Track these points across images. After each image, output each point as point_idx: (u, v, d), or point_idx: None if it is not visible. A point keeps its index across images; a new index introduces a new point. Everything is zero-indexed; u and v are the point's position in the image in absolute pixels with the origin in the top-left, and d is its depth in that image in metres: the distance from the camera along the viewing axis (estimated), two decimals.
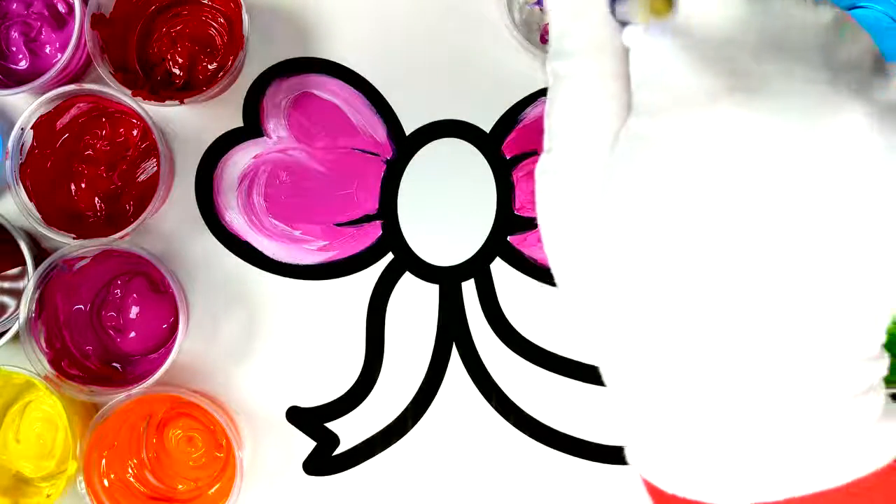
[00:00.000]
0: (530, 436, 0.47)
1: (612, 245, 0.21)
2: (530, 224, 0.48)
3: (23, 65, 0.48)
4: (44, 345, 0.44)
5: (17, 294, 0.47)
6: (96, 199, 0.47)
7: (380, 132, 0.48)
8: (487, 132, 0.48)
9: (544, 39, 0.47)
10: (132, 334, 0.47)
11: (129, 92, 0.44)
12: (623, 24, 0.22)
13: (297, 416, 0.47)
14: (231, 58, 0.46)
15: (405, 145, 0.48)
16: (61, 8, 0.48)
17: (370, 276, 0.48)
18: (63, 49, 0.46)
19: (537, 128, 0.48)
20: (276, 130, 0.48)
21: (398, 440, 0.47)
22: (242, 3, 0.45)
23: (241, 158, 0.48)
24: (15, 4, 0.47)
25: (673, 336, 0.21)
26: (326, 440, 0.47)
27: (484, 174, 0.48)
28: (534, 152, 0.48)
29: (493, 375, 0.47)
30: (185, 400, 0.45)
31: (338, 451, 0.47)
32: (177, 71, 0.48)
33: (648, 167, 0.21)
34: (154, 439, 0.46)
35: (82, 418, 0.45)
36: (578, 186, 0.22)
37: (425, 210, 0.48)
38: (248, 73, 0.48)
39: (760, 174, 0.20)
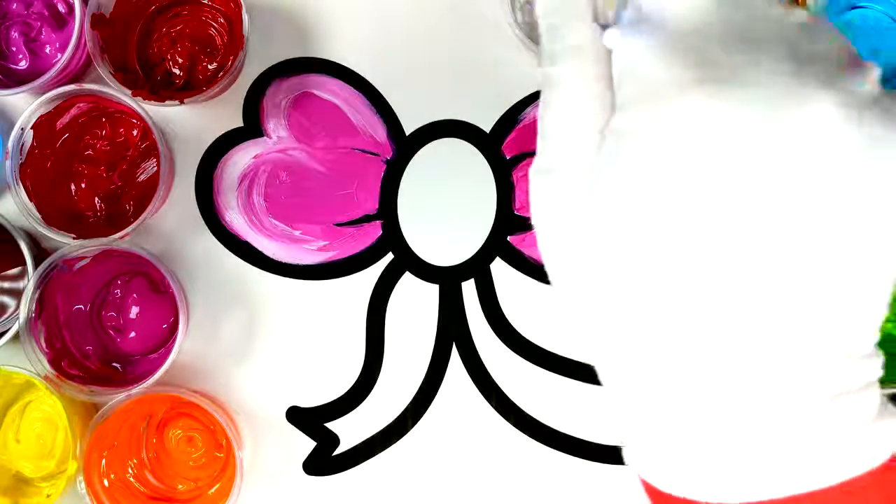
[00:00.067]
0: (530, 436, 0.47)
1: (598, 243, 0.22)
2: (530, 224, 0.48)
3: (23, 65, 0.48)
4: (44, 345, 0.44)
5: (17, 294, 0.47)
6: (96, 199, 0.47)
7: (380, 132, 0.48)
8: (487, 132, 0.48)
9: None
10: (132, 334, 0.47)
11: (129, 92, 0.44)
12: (604, 27, 0.23)
13: (297, 416, 0.47)
14: (231, 58, 0.46)
15: (405, 145, 0.48)
16: (61, 8, 0.48)
17: (370, 276, 0.48)
18: (63, 49, 0.46)
19: (537, 128, 0.48)
20: (276, 130, 0.48)
21: (398, 440, 0.47)
22: (242, 3, 0.45)
23: (241, 158, 0.48)
24: (15, 4, 0.47)
25: (662, 333, 0.21)
26: (326, 440, 0.47)
27: (484, 174, 0.48)
28: (534, 152, 0.48)
29: (493, 375, 0.47)
30: (185, 400, 0.45)
31: (338, 451, 0.47)
32: (177, 71, 0.48)
33: (626, 163, 0.21)
34: (154, 439, 0.46)
35: (82, 418, 0.45)
36: (568, 186, 0.23)
37: (425, 210, 0.48)
38: (248, 73, 0.48)
39: (733, 165, 0.20)
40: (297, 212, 0.48)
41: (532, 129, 0.48)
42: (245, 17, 0.45)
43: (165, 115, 0.48)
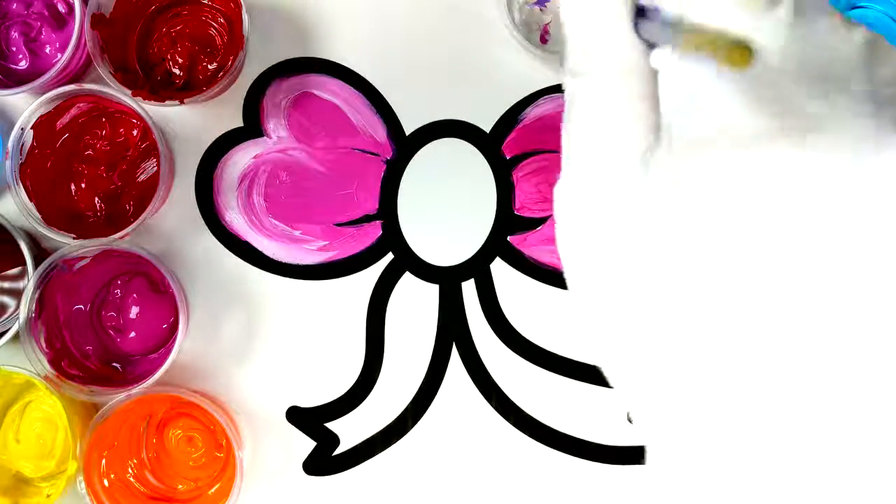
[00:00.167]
0: (530, 436, 0.47)
1: (647, 273, 0.21)
2: (530, 224, 0.48)
3: (23, 65, 0.48)
4: (44, 345, 0.44)
5: (17, 294, 0.47)
6: (96, 199, 0.47)
7: (380, 132, 0.48)
8: (487, 132, 0.48)
9: (544, 39, 0.47)
10: (132, 334, 0.47)
11: (129, 92, 0.44)
12: (648, 42, 0.22)
13: (297, 416, 0.47)
14: (231, 58, 0.46)
15: (405, 145, 0.48)
16: (61, 8, 0.48)
17: (370, 276, 0.48)
18: (63, 49, 0.46)
19: (537, 128, 0.48)
20: (276, 130, 0.48)
21: (398, 440, 0.47)
22: (242, 3, 0.45)
23: (241, 158, 0.48)
24: (15, 4, 0.47)
25: (708, 374, 0.21)
26: (326, 440, 0.47)
27: (484, 174, 0.48)
28: (534, 152, 0.48)
29: (493, 375, 0.47)
30: (185, 400, 0.45)
31: (338, 451, 0.47)
32: (177, 71, 0.48)
33: (695, 197, 0.20)
34: (154, 439, 0.46)
35: (82, 418, 0.45)
36: (600, 210, 0.22)
37: (425, 210, 0.48)
38: (248, 73, 0.48)
39: (815, 211, 0.19)
40: (297, 212, 0.48)
41: (532, 129, 0.48)
42: (245, 17, 0.45)
43: (165, 115, 0.48)
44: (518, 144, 0.48)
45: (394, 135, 0.48)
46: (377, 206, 0.48)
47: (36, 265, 0.44)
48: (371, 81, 0.48)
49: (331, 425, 0.47)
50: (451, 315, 0.48)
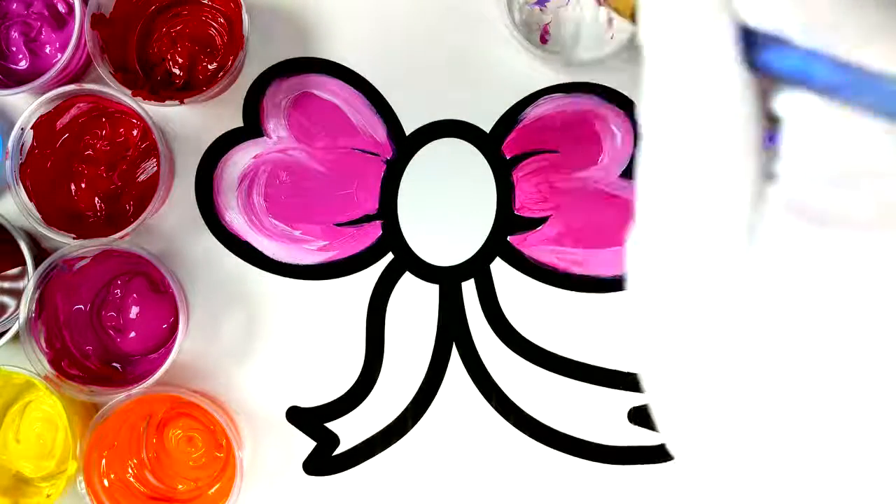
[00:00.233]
0: (530, 436, 0.47)
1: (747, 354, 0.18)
2: (530, 224, 0.48)
3: (23, 65, 0.48)
4: (44, 345, 0.44)
5: (17, 294, 0.47)
6: (96, 199, 0.47)
7: (380, 132, 0.48)
8: (487, 132, 0.48)
9: (544, 39, 0.47)
10: (132, 334, 0.47)
11: (129, 92, 0.44)
12: (762, 70, 0.17)
13: (297, 416, 0.47)
14: (231, 58, 0.46)
15: (405, 145, 0.48)
16: (61, 8, 0.48)
17: (370, 276, 0.48)
18: (63, 49, 0.46)
19: (537, 128, 0.48)
20: (276, 130, 0.48)
21: (398, 440, 0.47)
22: (242, 3, 0.45)
23: (241, 158, 0.48)
24: (15, 4, 0.47)
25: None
26: (326, 440, 0.47)
27: (484, 174, 0.48)
28: (534, 152, 0.48)
29: (493, 375, 0.47)
30: (185, 400, 0.45)
31: (338, 451, 0.47)
32: (177, 71, 0.48)
33: (829, 285, 0.17)
34: (154, 439, 0.46)
35: (82, 418, 0.45)
36: (690, 275, 0.18)
37: (425, 210, 0.48)
38: (248, 73, 0.48)
39: None
40: (297, 212, 0.48)
41: (532, 129, 0.48)
42: (245, 17, 0.45)
43: (165, 115, 0.48)
44: (518, 144, 0.48)
45: (394, 135, 0.48)
46: (377, 206, 0.48)
47: (36, 265, 0.44)
48: (371, 81, 0.48)
49: (331, 425, 0.47)
50: (451, 315, 0.48)
